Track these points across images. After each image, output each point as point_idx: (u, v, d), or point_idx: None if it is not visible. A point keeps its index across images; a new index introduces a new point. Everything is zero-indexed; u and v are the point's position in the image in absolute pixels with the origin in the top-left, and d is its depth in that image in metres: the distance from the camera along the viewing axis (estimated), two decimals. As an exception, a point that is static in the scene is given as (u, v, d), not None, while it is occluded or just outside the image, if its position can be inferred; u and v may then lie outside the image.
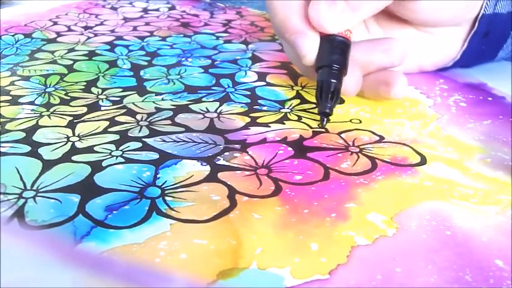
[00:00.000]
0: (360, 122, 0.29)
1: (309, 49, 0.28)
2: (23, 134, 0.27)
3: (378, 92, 0.30)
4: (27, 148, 0.25)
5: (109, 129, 0.27)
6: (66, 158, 0.25)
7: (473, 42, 0.33)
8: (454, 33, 0.33)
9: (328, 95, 0.27)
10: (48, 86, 0.33)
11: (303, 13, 0.28)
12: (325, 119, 0.28)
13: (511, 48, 0.35)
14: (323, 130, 0.28)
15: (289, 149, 0.26)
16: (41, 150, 0.25)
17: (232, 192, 0.22)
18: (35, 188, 0.22)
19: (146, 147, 0.26)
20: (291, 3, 0.28)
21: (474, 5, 0.31)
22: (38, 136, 0.27)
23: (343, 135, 0.27)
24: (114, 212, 0.21)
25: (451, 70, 0.35)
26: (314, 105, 0.31)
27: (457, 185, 0.23)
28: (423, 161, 0.25)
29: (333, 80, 0.27)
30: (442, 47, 0.33)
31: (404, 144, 0.26)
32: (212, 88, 0.33)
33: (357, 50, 0.29)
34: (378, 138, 0.27)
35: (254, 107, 0.31)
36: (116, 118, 0.29)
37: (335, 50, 0.28)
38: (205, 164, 0.24)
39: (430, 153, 0.26)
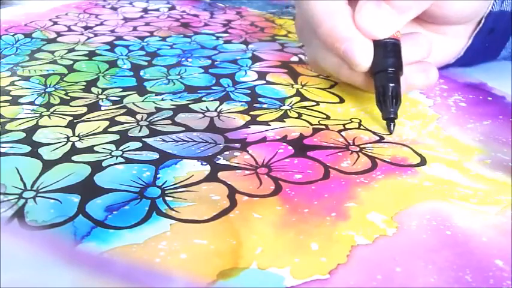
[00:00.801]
0: (360, 121, 0.29)
1: (363, 56, 0.27)
2: (23, 134, 0.27)
3: (413, 83, 0.29)
4: (27, 148, 0.25)
5: (109, 129, 0.27)
6: (66, 158, 0.25)
7: (478, 39, 0.33)
8: (460, 31, 0.33)
9: (391, 100, 0.27)
10: (48, 86, 0.33)
11: (349, 20, 0.28)
12: (392, 124, 0.27)
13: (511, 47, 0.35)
14: (323, 127, 0.28)
15: (289, 147, 0.26)
16: (41, 150, 0.25)
17: (232, 192, 0.22)
18: (35, 188, 0.22)
19: (146, 147, 0.26)
20: (336, 11, 0.28)
21: (489, 2, 0.31)
22: (38, 136, 0.27)
23: (343, 133, 0.27)
24: (114, 212, 0.21)
25: (451, 70, 0.35)
26: (314, 103, 0.31)
27: (457, 185, 0.23)
28: (423, 162, 0.25)
29: (391, 84, 0.27)
30: (448, 45, 0.33)
31: (404, 145, 0.26)
32: (212, 88, 0.33)
33: None
34: (377, 138, 0.27)
35: (254, 105, 0.31)
36: (116, 118, 0.29)
37: (388, 53, 0.28)
38: (205, 163, 0.24)
39: (430, 154, 0.26)
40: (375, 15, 0.27)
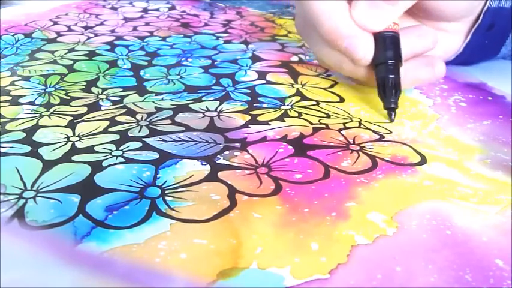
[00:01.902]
0: (361, 120, 0.29)
1: (365, 50, 0.28)
2: (23, 134, 0.27)
3: (419, 77, 0.30)
4: (27, 148, 0.25)
5: (109, 129, 0.27)
6: (66, 158, 0.25)
7: (477, 36, 0.33)
8: (459, 27, 0.33)
9: (391, 90, 0.28)
10: (48, 86, 0.33)
11: (349, 17, 0.29)
12: (393, 114, 0.29)
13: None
14: (323, 126, 0.28)
15: (290, 147, 0.26)
16: (41, 150, 0.25)
17: (232, 192, 0.22)
18: (35, 188, 0.22)
19: (146, 147, 0.26)
20: (336, 9, 0.29)
21: None
22: (38, 136, 0.27)
23: (343, 132, 0.27)
24: (114, 212, 0.21)
25: (451, 70, 0.35)
26: (314, 102, 0.31)
27: (457, 185, 0.23)
28: (423, 161, 0.25)
29: (391, 76, 0.28)
30: (446, 42, 0.33)
31: (404, 143, 0.26)
32: (212, 88, 0.33)
33: None
34: (378, 136, 0.27)
35: (254, 104, 0.31)
36: (116, 118, 0.29)
37: (388, 46, 0.29)
38: (205, 163, 0.24)
39: (430, 153, 0.26)
40: (368, 9, 0.28)
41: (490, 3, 0.32)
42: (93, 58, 0.38)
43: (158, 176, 0.23)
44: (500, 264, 0.18)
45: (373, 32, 0.29)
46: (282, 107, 0.30)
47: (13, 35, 0.43)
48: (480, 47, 0.34)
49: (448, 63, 0.35)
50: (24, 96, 0.32)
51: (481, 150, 0.26)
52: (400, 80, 0.29)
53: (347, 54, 0.29)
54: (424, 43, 0.30)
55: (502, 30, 0.34)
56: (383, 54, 0.29)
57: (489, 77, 0.35)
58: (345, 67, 0.31)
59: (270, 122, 0.28)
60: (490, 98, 0.32)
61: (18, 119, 0.29)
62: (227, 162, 0.24)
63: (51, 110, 0.30)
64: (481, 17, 0.32)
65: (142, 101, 0.31)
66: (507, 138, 0.27)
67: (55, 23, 0.47)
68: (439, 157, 0.25)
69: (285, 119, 0.29)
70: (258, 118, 0.29)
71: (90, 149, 0.25)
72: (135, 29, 0.46)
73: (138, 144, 0.26)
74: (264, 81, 0.34)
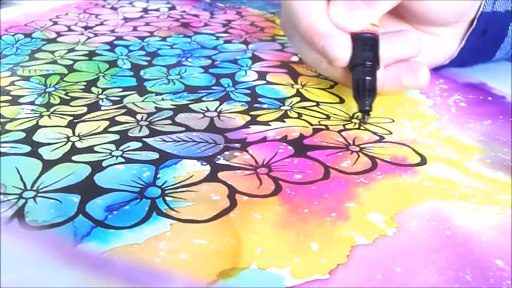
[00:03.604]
0: (360, 122, 0.29)
1: (341, 51, 0.28)
2: (23, 134, 0.27)
3: (401, 83, 0.30)
4: (27, 148, 0.25)
5: (109, 129, 0.27)
6: (66, 158, 0.25)
7: (472, 40, 0.33)
8: (453, 32, 0.33)
9: (365, 93, 0.28)
10: (48, 86, 0.33)
11: (327, 17, 0.28)
12: (367, 116, 0.28)
13: (509, 48, 0.35)
14: (323, 127, 0.28)
15: (290, 147, 0.26)
16: (41, 150, 0.25)
17: (232, 192, 0.22)
18: (35, 188, 0.22)
19: (146, 147, 0.26)
20: (315, 8, 0.28)
21: (476, 3, 0.31)
22: (38, 136, 0.27)
23: (343, 133, 0.27)
24: (114, 212, 0.21)
25: (451, 70, 0.35)
26: (314, 103, 0.31)
27: (457, 185, 0.23)
28: (423, 162, 0.25)
29: (367, 78, 0.28)
30: (440, 46, 0.33)
31: (404, 144, 0.26)
32: (212, 88, 0.33)
33: None
34: (378, 137, 0.27)
35: (254, 105, 0.31)
36: (116, 118, 0.29)
37: (365, 47, 0.28)
38: (205, 163, 0.24)
39: (430, 153, 0.26)
40: (346, 9, 0.28)
41: (483, 8, 0.31)
42: (93, 58, 0.38)
43: (158, 176, 0.23)
44: (500, 264, 0.18)
45: (352, 33, 0.28)
46: (282, 108, 0.30)
47: (13, 35, 0.43)
48: (475, 51, 0.34)
49: (443, 66, 0.35)
50: (24, 96, 0.32)
51: (481, 150, 0.26)
52: (376, 83, 0.28)
53: (324, 54, 0.28)
54: (408, 49, 0.29)
55: (497, 35, 0.33)
56: (360, 56, 0.28)
57: (489, 77, 0.35)
58: (323, 67, 0.30)
59: (270, 123, 0.28)
60: (490, 98, 0.32)
61: (18, 119, 0.29)
62: (227, 163, 0.24)
63: (51, 110, 0.30)
64: (475, 22, 0.32)
65: (143, 101, 0.31)
66: (507, 138, 0.27)
67: (55, 23, 0.47)
68: (439, 157, 0.25)
69: (285, 119, 0.29)
70: (258, 119, 0.29)
71: (90, 149, 0.25)
72: (135, 29, 0.46)
73: (138, 144, 0.26)
74: (264, 82, 0.34)
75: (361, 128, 0.28)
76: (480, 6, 0.31)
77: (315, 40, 0.28)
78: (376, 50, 0.28)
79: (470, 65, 0.36)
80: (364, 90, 0.28)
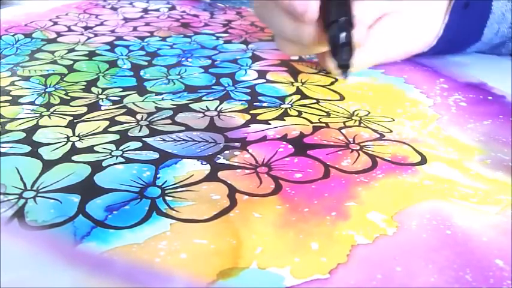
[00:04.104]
0: (361, 118, 0.29)
1: (309, 3, 0.27)
2: (23, 134, 0.27)
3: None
4: (27, 148, 0.25)
5: (109, 129, 0.27)
6: (66, 158, 0.25)
7: (455, 15, 0.33)
8: (434, 10, 0.33)
9: (342, 48, 0.27)
10: (48, 86, 0.33)
11: None
12: (346, 72, 0.28)
13: (497, 28, 0.34)
14: (323, 125, 0.28)
15: (290, 146, 0.26)
16: (41, 150, 0.25)
17: (232, 191, 0.22)
18: (35, 188, 0.22)
19: (146, 146, 0.26)
20: None
21: None
22: (38, 136, 0.27)
23: (343, 131, 0.27)
24: (114, 212, 0.21)
25: (451, 70, 0.35)
26: (315, 101, 0.31)
27: (457, 185, 0.23)
28: (423, 161, 0.25)
29: (342, 33, 0.27)
30: (423, 27, 0.33)
31: (404, 142, 0.26)
32: (212, 87, 0.33)
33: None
34: (378, 135, 0.27)
35: (254, 103, 0.31)
36: (116, 118, 0.29)
37: (339, 6, 0.28)
38: (205, 163, 0.24)
39: (430, 152, 0.26)
40: None
41: None
42: (93, 58, 0.38)
43: (158, 175, 0.23)
44: (500, 264, 0.18)
45: None
46: (282, 106, 0.30)
47: (13, 35, 0.43)
48: (460, 26, 0.34)
49: (434, 48, 0.35)
50: (24, 96, 0.32)
51: (481, 150, 0.26)
52: (351, 38, 0.28)
53: (290, 10, 0.28)
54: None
55: (480, 8, 0.33)
56: (333, 13, 0.28)
57: (489, 77, 0.35)
58: (290, 28, 0.29)
59: (270, 121, 0.28)
60: (490, 98, 0.32)
61: (18, 119, 0.29)
62: (227, 162, 0.24)
63: (51, 110, 0.30)
64: None
65: (142, 101, 0.31)
66: (507, 138, 0.27)
67: (55, 23, 0.47)
68: (439, 157, 0.25)
69: (285, 118, 0.29)
70: (258, 117, 0.29)
71: (90, 149, 0.25)
72: (135, 29, 0.46)
73: (138, 144, 0.26)
74: (264, 80, 0.34)
75: (362, 125, 0.28)
76: None
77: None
78: (349, 7, 0.28)
79: (461, 47, 0.35)
80: (340, 45, 0.27)
